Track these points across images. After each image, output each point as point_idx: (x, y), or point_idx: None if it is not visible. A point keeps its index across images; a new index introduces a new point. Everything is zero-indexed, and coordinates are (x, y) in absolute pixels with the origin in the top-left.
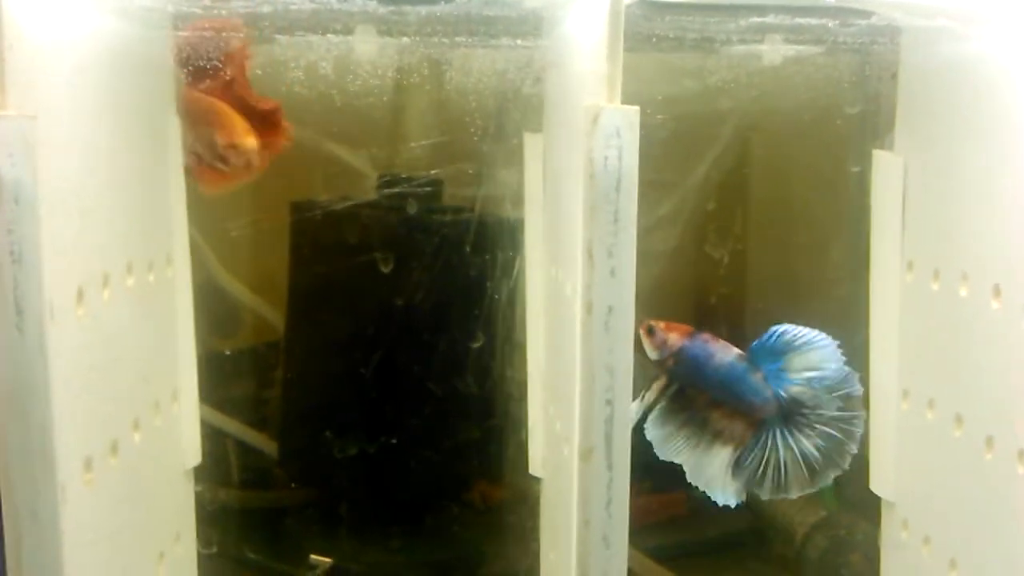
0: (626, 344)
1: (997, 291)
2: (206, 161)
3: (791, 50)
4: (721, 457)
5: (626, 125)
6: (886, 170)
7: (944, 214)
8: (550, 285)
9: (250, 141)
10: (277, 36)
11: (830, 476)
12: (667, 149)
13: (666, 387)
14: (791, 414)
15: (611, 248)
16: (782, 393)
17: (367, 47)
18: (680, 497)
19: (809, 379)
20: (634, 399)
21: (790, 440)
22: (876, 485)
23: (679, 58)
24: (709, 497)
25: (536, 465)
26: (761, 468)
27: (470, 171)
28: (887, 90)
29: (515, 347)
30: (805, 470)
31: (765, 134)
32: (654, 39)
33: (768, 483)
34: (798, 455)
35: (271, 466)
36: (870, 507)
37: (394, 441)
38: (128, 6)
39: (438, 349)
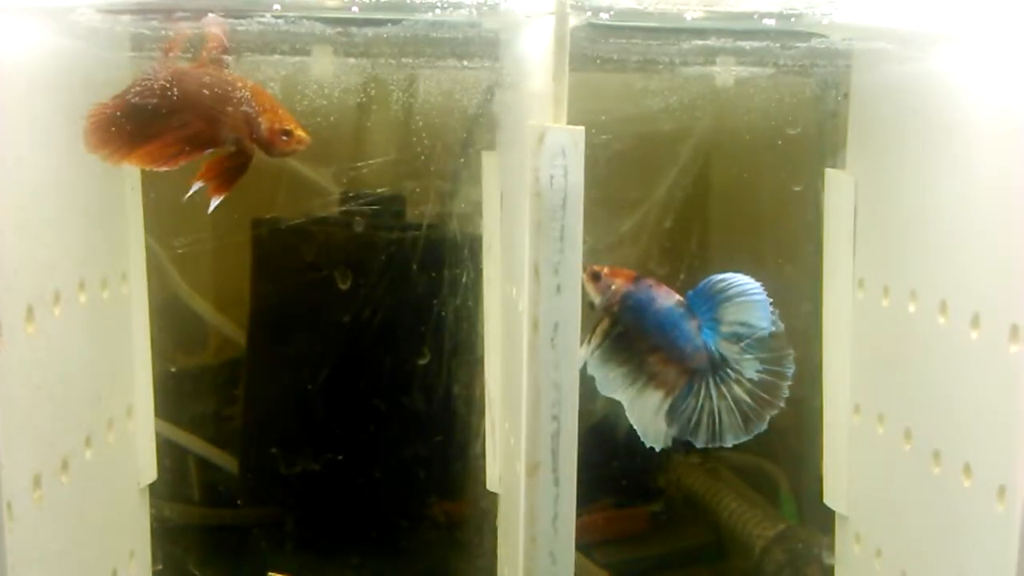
0: (572, 360)
1: (944, 307)
2: (228, 144)
3: (745, 71)
4: (654, 400)
5: (571, 144)
6: (837, 188)
7: (893, 232)
8: (506, 302)
9: (301, 131)
10: (224, 57)
11: (765, 421)
12: (622, 167)
13: (609, 330)
14: (720, 365)
15: (557, 265)
16: (711, 345)
17: (324, 66)
18: (642, 513)
19: (738, 333)
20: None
21: (723, 389)
22: (829, 499)
23: (636, 79)
24: (669, 513)
25: (493, 481)
26: (695, 416)
27: (433, 188)
28: (841, 110)
29: (476, 363)
30: (739, 418)
31: (721, 152)
32: (599, 60)
33: (703, 431)
34: (731, 403)
35: (231, 483)
36: (829, 520)
37: (356, 458)
38: (75, 27)
39: (400, 366)
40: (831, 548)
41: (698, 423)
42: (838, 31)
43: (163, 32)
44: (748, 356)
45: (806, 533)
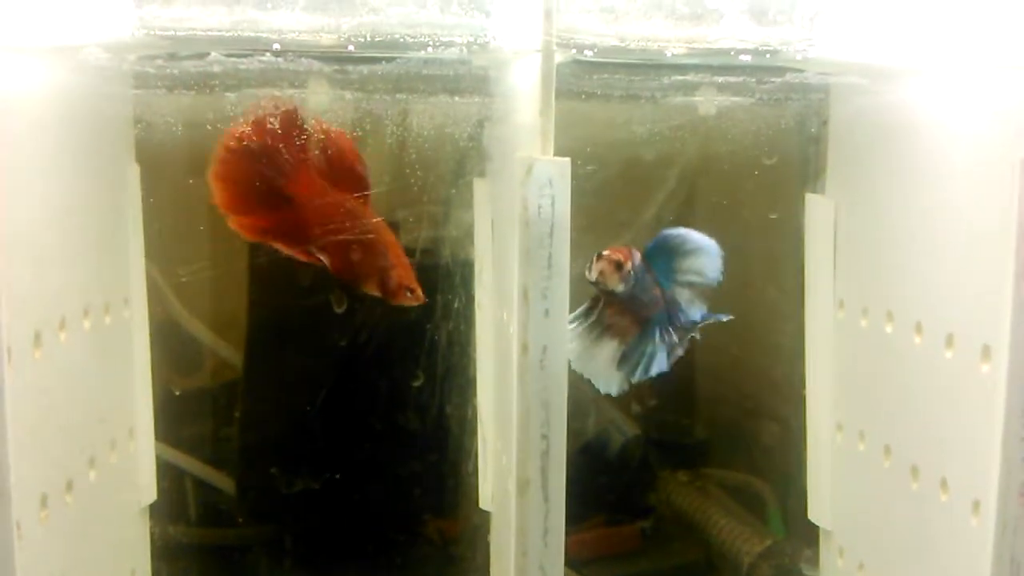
0: (560, 381)
1: (919, 328)
2: (358, 275)
3: (727, 101)
4: (609, 349)
5: (558, 175)
6: (818, 213)
7: (870, 254)
8: (497, 325)
9: (420, 290)
10: (226, 94)
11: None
12: (608, 195)
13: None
14: (672, 313)
15: (545, 291)
16: (667, 294)
17: (320, 100)
18: (634, 531)
19: (691, 282)
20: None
21: (665, 336)
22: (814, 514)
23: (621, 110)
24: (659, 530)
25: (486, 499)
26: (638, 359)
27: (425, 216)
28: (821, 137)
29: (468, 385)
30: (666, 356)
31: (705, 179)
32: (584, 95)
33: (639, 370)
34: (667, 348)
35: (229, 503)
36: (815, 535)
37: (352, 477)
38: (83, 65)
39: (395, 387)
40: (816, 562)
41: (637, 363)
42: (812, 66)
43: (167, 70)
44: (697, 302)
45: (792, 548)
